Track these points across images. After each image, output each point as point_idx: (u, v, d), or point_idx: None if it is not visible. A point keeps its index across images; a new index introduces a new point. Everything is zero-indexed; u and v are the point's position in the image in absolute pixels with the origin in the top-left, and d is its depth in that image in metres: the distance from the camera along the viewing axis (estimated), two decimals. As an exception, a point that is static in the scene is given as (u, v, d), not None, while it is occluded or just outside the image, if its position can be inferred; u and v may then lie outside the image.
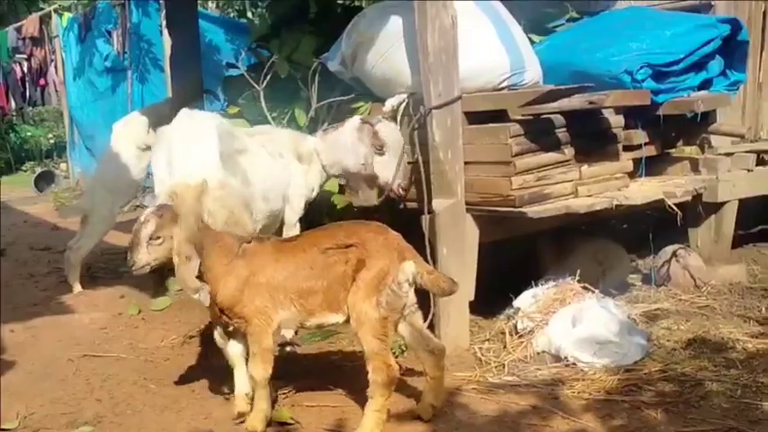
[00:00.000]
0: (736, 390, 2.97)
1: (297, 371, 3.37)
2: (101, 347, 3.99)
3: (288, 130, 3.96)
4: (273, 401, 2.95)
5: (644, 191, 3.76)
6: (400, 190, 3.70)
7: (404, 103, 3.75)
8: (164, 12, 6.38)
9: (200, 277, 2.78)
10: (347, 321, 2.76)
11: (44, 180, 10.92)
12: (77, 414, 3.13)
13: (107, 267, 5.78)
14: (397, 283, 2.63)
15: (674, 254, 4.31)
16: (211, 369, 3.53)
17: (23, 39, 12.20)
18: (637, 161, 3.98)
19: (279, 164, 3.63)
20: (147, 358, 3.79)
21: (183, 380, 3.43)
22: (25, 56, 12.59)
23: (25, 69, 12.58)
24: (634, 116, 3.92)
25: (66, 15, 10.89)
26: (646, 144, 3.96)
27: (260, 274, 2.77)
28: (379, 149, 3.60)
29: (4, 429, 3.02)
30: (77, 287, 5.10)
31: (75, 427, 3.00)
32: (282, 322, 2.83)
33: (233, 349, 3.01)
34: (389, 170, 3.65)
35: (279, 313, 2.78)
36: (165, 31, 5.97)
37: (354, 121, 3.69)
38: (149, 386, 3.41)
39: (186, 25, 5.37)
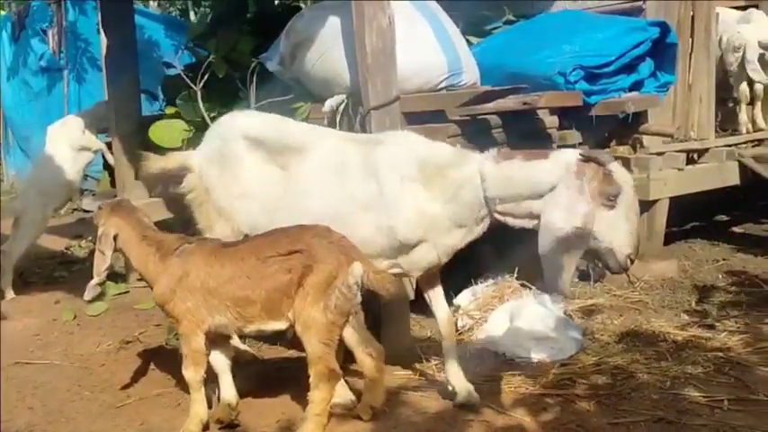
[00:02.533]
0: (665, 381, 3.08)
1: (239, 372, 3.34)
2: (34, 354, 3.88)
3: (431, 145, 2.90)
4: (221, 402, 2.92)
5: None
6: (628, 262, 2.62)
7: (343, 104, 3.75)
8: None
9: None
10: (291, 327, 2.73)
11: (-22, 183, 10.54)
12: (8, 423, 3.04)
13: (42, 272, 5.61)
14: (346, 286, 2.61)
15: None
16: (146, 375, 3.48)
17: (-47, 37, 11.74)
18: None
19: (353, 184, 2.88)
20: (81, 365, 3.70)
21: (119, 386, 3.36)
22: (-45, 55, 12.14)
23: (-44, 69, 12.13)
24: (568, 117, 4.01)
25: (-1, 13, 10.54)
26: (579, 144, 4.06)
27: (194, 276, 2.73)
28: (611, 201, 2.54)
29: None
30: (10, 293, 4.95)
31: (4, 436, 2.92)
32: (218, 327, 2.79)
33: (215, 356, 2.93)
34: (618, 232, 2.57)
35: (214, 318, 2.75)
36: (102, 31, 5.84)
37: (568, 157, 2.61)
38: (83, 393, 3.33)
39: (122, 24, 5.24)
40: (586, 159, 2.56)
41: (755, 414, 2.76)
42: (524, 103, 3.49)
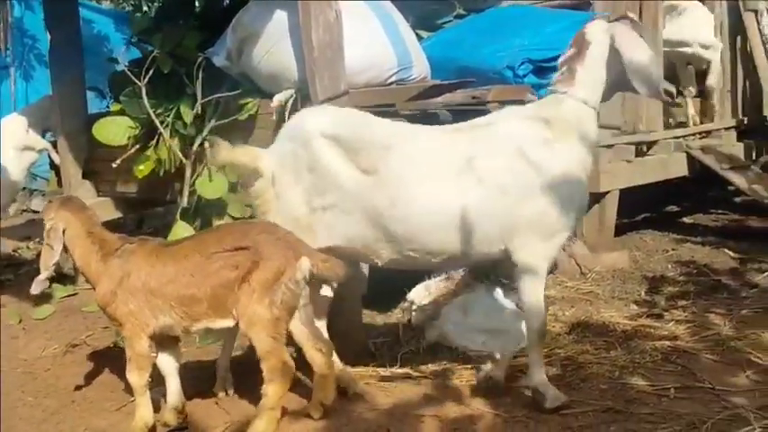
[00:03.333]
0: (614, 371, 3.11)
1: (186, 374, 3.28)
2: (-25, 361, 3.75)
3: (532, 104, 3.08)
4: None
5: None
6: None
7: (292, 99, 3.70)
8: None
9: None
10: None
11: None
12: (-56, 433, 2.94)
13: (-15, 275, 5.45)
14: (294, 282, 2.59)
15: (562, 243, 4.46)
16: (93, 379, 3.39)
17: None
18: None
19: (493, 173, 2.71)
20: (25, 370, 3.59)
21: (64, 391, 3.28)
22: None
23: None
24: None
25: (-60, 9, 10.18)
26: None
27: (135, 277, 2.67)
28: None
29: None
30: None
31: (-59, 446, 2.81)
32: (163, 328, 2.73)
33: (161, 359, 2.86)
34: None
35: (158, 319, 2.69)
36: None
37: (602, 26, 2.85)
38: (27, 399, 3.24)
39: (67, 19, 5.09)
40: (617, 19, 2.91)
41: (701, 401, 2.80)
42: (473, 98, 3.49)
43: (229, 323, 2.70)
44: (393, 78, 3.74)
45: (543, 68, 3.98)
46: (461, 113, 3.61)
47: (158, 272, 2.67)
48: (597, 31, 2.81)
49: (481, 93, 3.52)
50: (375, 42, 3.70)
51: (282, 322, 2.61)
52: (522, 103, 3.47)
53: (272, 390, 2.58)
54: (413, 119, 3.46)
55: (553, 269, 4.47)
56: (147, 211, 6.45)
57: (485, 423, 2.75)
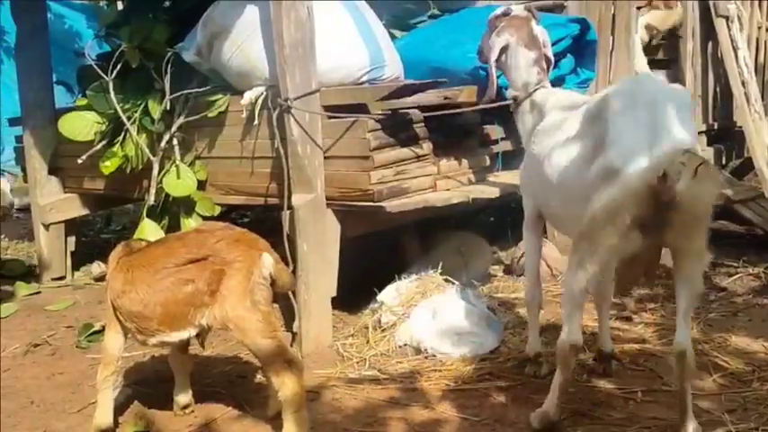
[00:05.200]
0: (582, 374, 3.10)
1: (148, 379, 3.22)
2: (-69, 361, 3.64)
3: None
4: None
5: (500, 184, 3.87)
6: None
7: (262, 96, 3.65)
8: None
9: None
10: (202, 332, 2.64)
11: None
12: None
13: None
14: (262, 278, 2.51)
15: (533, 245, 4.45)
16: (54, 380, 3.31)
17: None
18: (494, 156, 4.08)
19: None
20: (-16, 370, 3.49)
21: (23, 392, 3.19)
22: None
23: None
24: (489, 112, 4.01)
25: None
26: (502, 139, 4.07)
27: (112, 280, 2.64)
28: None
29: None
30: None
31: None
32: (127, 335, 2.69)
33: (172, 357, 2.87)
34: None
35: (121, 326, 2.66)
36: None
37: None
38: (-17, 400, 3.14)
39: (34, 12, 4.99)
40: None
41: (666, 405, 2.80)
42: (445, 98, 3.47)
43: (188, 335, 2.61)
44: (365, 77, 3.71)
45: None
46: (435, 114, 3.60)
47: (118, 282, 2.61)
48: None
49: (453, 93, 3.50)
50: (347, 41, 3.67)
51: (272, 318, 2.54)
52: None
53: (290, 391, 2.44)
54: (384, 119, 3.43)
55: (522, 272, 4.48)
56: (115, 209, 6.34)
57: (452, 426, 2.72)
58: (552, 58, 3.29)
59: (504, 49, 3.15)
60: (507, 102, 3.19)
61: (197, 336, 2.67)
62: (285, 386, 2.45)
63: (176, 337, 2.60)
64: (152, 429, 2.79)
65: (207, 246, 2.52)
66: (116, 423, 2.76)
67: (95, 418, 2.68)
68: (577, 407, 2.80)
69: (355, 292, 3.78)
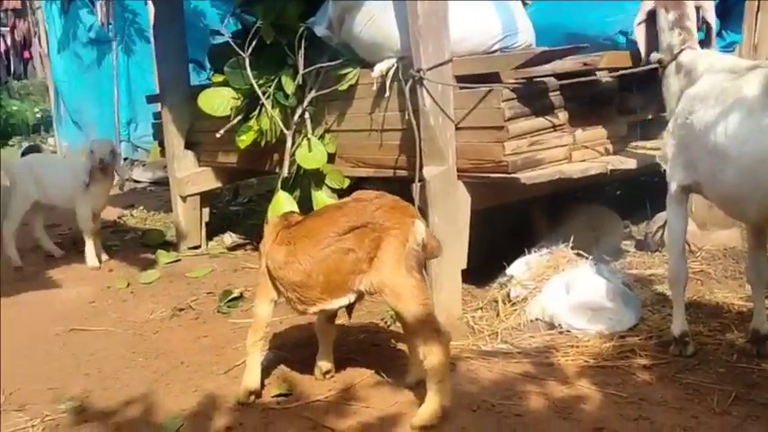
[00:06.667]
0: (731, 354, 2.94)
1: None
2: (88, 322, 3.94)
3: None
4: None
5: (638, 155, 3.69)
6: None
7: (393, 68, 3.65)
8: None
9: None
10: (358, 298, 2.69)
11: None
12: (64, 389, 3.09)
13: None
14: (416, 244, 2.54)
15: (668, 220, 4.25)
16: (199, 343, 3.49)
17: (5, 11, 11.98)
18: (632, 125, 3.90)
19: None
20: (135, 332, 3.73)
21: (172, 353, 3.39)
22: (8, 28, 12.39)
23: (8, 42, 12.39)
24: (628, 78, 3.83)
25: (48, -15, 10.66)
26: (641, 108, 3.87)
27: (272, 249, 2.73)
28: None
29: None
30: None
31: (61, 402, 2.95)
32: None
33: (318, 326, 2.98)
34: None
35: (279, 296, 2.76)
36: (150, 1, 5.84)
37: None
38: (138, 360, 3.36)
39: (171, -7, 5.22)
40: None
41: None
42: (584, 65, 3.33)
43: (348, 301, 2.69)
44: (497, 46, 3.62)
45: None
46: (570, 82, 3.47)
47: (280, 254, 2.69)
48: None
49: (593, 60, 3.36)
50: (479, 8, 3.59)
51: (424, 285, 2.57)
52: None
53: (437, 361, 2.46)
54: (518, 88, 3.34)
55: (660, 246, 4.28)
56: (240, 182, 6.58)
57: (593, 403, 2.65)
58: (713, 22, 3.08)
59: (650, 12, 3.00)
60: (653, 65, 3.03)
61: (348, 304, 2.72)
62: (432, 354, 2.46)
63: (337, 304, 2.67)
64: (294, 392, 2.88)
65: (366, 214, 2.56)
66: (261, 385, 2.87)
67: (244, 380, 2.80)
68: (730, 388, 2.66)
69: (482, 266, 3.74)
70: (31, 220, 5.27)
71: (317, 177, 4.14)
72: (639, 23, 3.17)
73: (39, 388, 3.11)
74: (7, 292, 4.52)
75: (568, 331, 3.30)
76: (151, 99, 5.80)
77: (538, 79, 3.40)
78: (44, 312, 4.15)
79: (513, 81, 3.37)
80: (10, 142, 13.08)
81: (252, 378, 2.79)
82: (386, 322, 3.51)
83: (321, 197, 4.09)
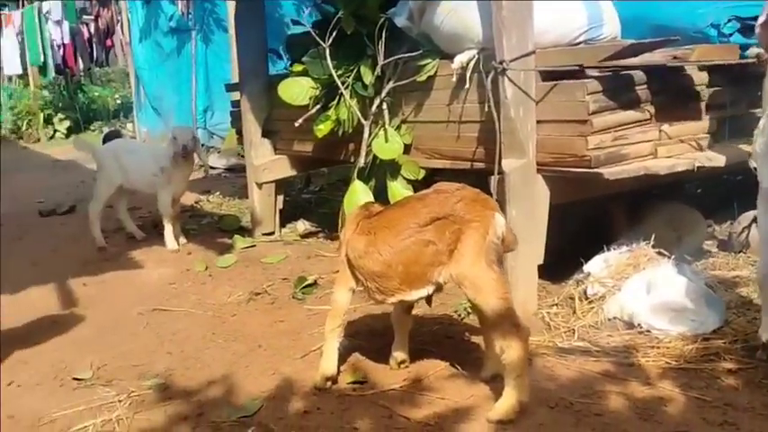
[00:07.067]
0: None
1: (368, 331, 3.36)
2: (169, 302, 4.07)
3: None
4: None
5: (728, 152, 3.56)
6: None
7: (473, 60, 3.62)
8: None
9: None
10: (437, 289, 2.69)
11: (111, 140, 11.15)
12: (148, 366, 3.20)
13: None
14: (496, 237, 2.53)
15: (755, 220, 4.08)
16: (276, 327, 3.56)
17: (90, 0, 12.42)
18: (721, 121, 3.76)
19: None
20: (214, 314, 3.84)
21: (250, 336, 3.47)
22: (92, 17, 12.86)
23: (92, 30, 12.87)
24: (718, 73, 3.69)
25: (132, -24, 11.01)
26: (731, 103, 3.73)
27: (352, 238, 2.76)
28: None
29: (78, 379, 3.11)
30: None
31: (146, 378, 3.07)
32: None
33: (395, 316, 3.00)
34: None
35: (357, 284, 2.78)
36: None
37: None
38: (217, 341, 3.45)
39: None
40: None
41: None
42: (674, 57, 3.23)
43: (425, 293, 2.69)
44: (582, 38, 3.55)
45: (752, 27, 3.60)
46: (658, 75, 3.37)
47: (360, 243, 2.71)
48: None
49: (684, 53, 3.25)
50: None
51: (504, 278, 2.56)
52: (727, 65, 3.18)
53: (516, 355, 2.44)
54: (604, 81, 3.26)
55: (744, 247, 4.13)
56: (312, 171, 6.66)
57: (676, 407, 2.58)
58: None
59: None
60: (750, 60, 2.90)
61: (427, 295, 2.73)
62: (511, 349, 2.45)
63: (416, 295, 2.68)
64: (369, 380, 2.91)
65: (448, 205, 2.56)
66: (337, 372, 2.91)
67: (321, 365, 2.85)
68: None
69: (556, 261, 3.68)
70: (115, 203, 5.48)
71: (392, 168, 4.15)
72: (762, 23, 3.01)
73: (124, 364, 3.24)
74: (91, 271, 4.72)
75: (648, 331, 3.21)
76: (230, 88, 5.93)
77: (624, 72, 3.31)
78: (127, 292, 4.31)
79: (599, 74, 3.30)
80: (91, 127, 13.62)
81: (329, 364, 2.83)
82: (459, 315, 3.50)
83: (396, 188, 4.10)
